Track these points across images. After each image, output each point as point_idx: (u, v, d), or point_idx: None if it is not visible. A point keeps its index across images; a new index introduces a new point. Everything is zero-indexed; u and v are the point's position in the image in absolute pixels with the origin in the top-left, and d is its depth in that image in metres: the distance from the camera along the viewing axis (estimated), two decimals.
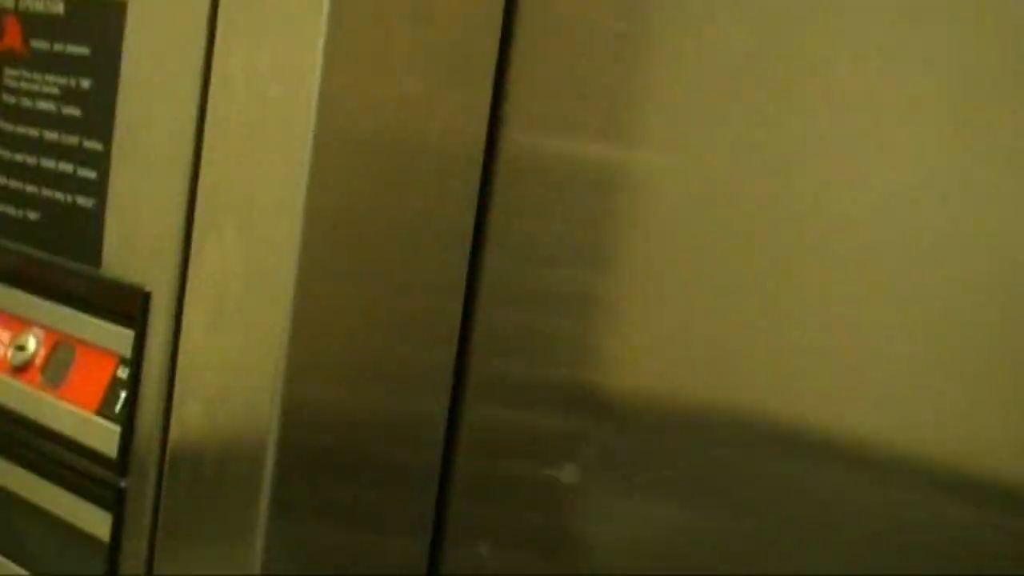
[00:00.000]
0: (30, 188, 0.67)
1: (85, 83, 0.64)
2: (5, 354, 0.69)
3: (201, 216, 0.58)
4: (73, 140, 0.65)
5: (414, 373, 0.54)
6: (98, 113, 0.63)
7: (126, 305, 0.63)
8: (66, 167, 0.65)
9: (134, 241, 0.62)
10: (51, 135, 0.66)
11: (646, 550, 0.50)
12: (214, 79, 0.58)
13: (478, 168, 0.53)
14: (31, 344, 0.68)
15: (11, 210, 0.68)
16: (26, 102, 0.68)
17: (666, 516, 0.49)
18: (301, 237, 0.54)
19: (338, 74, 0.53)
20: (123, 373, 0.62)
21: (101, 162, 0.63)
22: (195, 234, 0.58)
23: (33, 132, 0.67)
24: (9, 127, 0.69)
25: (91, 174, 0.64)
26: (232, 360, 0.56)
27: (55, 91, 0.66)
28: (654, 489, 0.49)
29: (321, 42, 0.52)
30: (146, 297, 0.60)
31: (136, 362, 0.61)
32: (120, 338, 0.63)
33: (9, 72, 0.69)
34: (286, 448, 0.51)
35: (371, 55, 0.53)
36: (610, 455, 0.50)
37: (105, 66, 0.63)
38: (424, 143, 0.53)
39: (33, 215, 0.67)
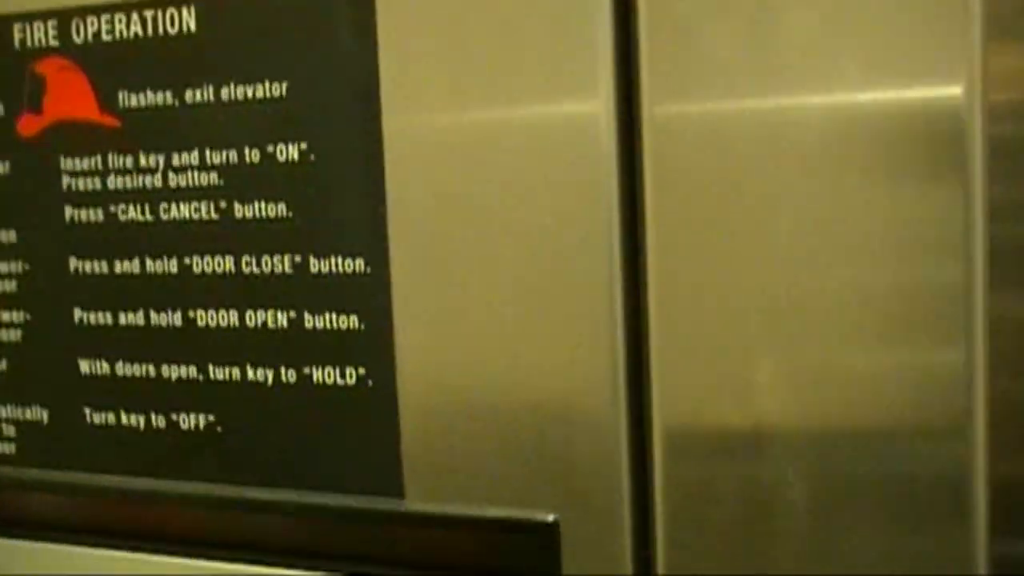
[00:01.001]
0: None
1: (290, 149, 0.33)
2: None
3: None
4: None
5: None
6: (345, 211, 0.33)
7: None
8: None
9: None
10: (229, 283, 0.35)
11: None
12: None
13: None
14: None
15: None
16: (132, 211, 0.36)
17: None
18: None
19: None
20: None
21: (373, 295, 0.33)
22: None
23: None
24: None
25: (359, 322, 0.33)
26: None
27: (212, 179, 0.35)
28: None
29: None
30: None
31: None
32: None
33: (71, 166, 0.36)
34: None
35: None
36: None
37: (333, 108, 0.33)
38: None
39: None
